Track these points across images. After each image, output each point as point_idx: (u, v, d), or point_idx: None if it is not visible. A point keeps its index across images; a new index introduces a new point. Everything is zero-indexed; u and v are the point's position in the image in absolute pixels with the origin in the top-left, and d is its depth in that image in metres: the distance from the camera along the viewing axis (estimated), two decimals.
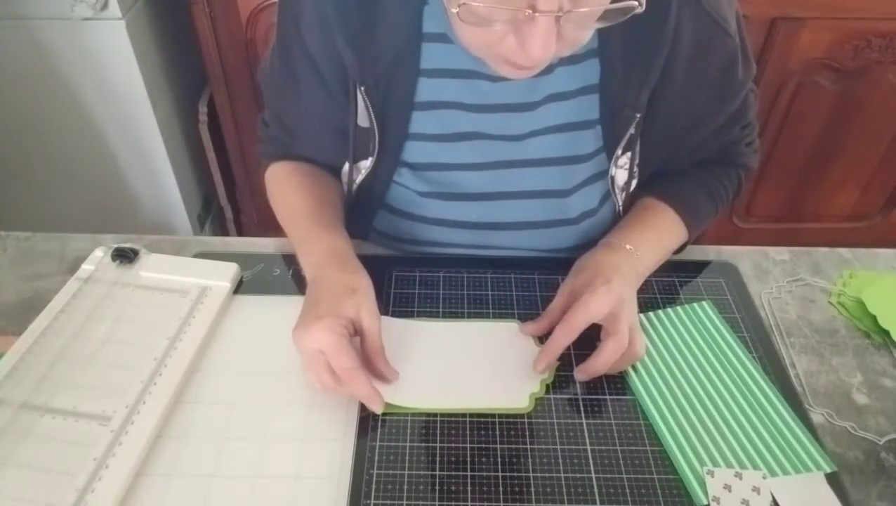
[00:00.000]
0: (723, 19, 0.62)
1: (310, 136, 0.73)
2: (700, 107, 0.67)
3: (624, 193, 0.72)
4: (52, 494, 0.51)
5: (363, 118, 0.66)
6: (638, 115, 0.64)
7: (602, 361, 0.60)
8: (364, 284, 0.61)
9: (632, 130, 0.65)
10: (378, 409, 0.57)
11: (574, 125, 0.67)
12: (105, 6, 1.26)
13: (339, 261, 0.63)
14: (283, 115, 0.73)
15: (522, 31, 0.48)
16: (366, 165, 0.70)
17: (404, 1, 0.61)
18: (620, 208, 0.73)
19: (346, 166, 0.73)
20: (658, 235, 0.70)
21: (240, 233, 1.80)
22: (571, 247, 0.74)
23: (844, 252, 0.78)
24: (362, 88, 0.63)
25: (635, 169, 0.70)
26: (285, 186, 0.74)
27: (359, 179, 0.72)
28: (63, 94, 1.38)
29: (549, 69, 0.63)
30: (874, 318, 0.69)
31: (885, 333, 0.67)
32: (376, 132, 0.66)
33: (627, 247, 0.66)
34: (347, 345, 0.56)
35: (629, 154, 0.68)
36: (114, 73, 1.36)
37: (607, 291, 0.60)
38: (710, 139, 0.72)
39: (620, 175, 0.69)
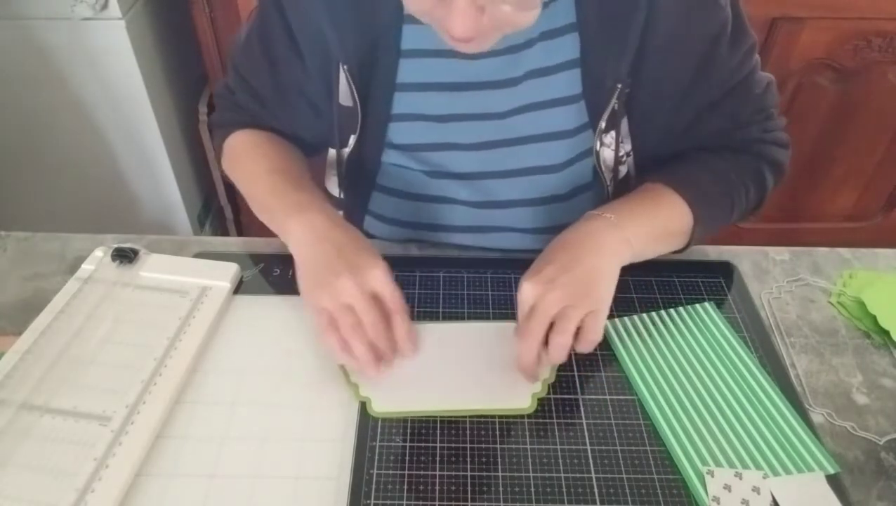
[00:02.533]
0: None
1: (284, 107, 0.73)
2: (685, 79, 0.65)
3: (613, 174, 0.70)
4: (52, 494, 0.51)
5: (346, 97, 0.66)
6: (619, 86, 0.63)
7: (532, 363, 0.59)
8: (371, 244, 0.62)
9: (614, 103, 0.64)
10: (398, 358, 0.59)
11: (557, 101, 0.67)
12: (105, 6, 1.26)
13: (340, 221, 0.63)
14: (259, 86, 0.73)
15: (446, 3, 0.49)
16: (351, 141, 0.70)
17: None
18: (609, 188, 0.71)
19: (331, 152, 0.74)
20: (650, 208, 0.66)
21: (240, 233, 1.80)
22: (569, 224, 0.71)
23: (844, 252, 0.78)
24: (345, 68, 0.63)
25: (622, 151, 0.68)
26: (257, 148, 0.73)
27: (346, 152, 0.71)
28: (63, 94, 1.39)
29: (529, 44, 0.63)
30: (874, 318, 0.69)
31: (885, 333, 0.67)
32: (359, 112, 0.66)
33: (608, 216, 0.63)
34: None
35: (613, 133, 0.67)
36: (114, 73, 1.36)
37: (530, 287, 0.58)
38: (707, 119, 0.69)
39: (607, 154, 0.68)
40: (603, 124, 0.66)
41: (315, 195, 0.66)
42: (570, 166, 0.71)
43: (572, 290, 0.58)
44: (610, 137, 0.67)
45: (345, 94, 0.66)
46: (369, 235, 0.80)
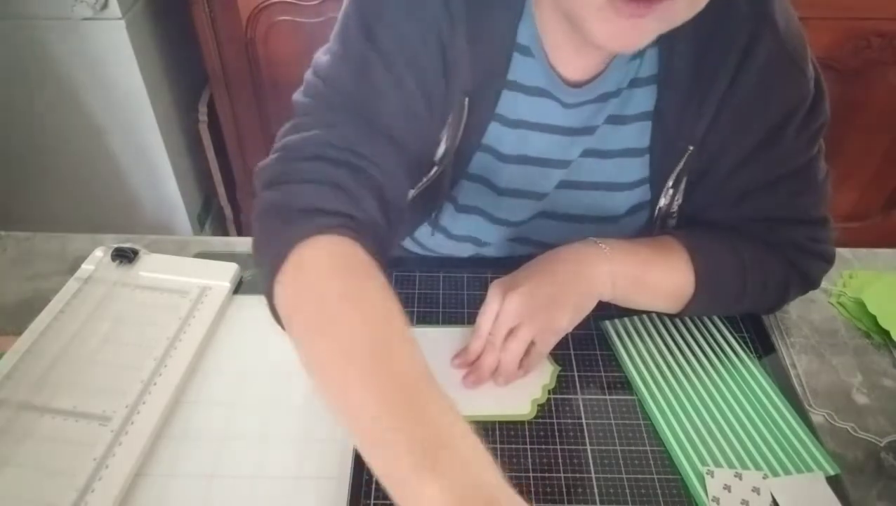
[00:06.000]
0: (800, 57, 0.58)
1: (401, 109, 0.57)
2: (749, 146, 0.61)
3: (662, 223, 0.69)
4: (52, 494, 0.51)
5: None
6: (691, 148, 0.61)
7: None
8: None
9: (681, 164, 0.62)
10: None
11: (624, 151, 0.65)
12: (105, 6, 1.26)
13: (498, 477, 0.41)
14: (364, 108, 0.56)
15: None
16: (432, 171, 0.65)
17: (508, 8, 0.58)
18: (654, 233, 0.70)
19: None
20: (651, 257, 0.63)
21: (240, 233, 1.80)
22: None
23: (844, 252, 0.78)
24: (468, 99, 0.59)
25: (674, 206, 0.67)
26: (357, 295, 0.46)
27: (415, 191, 0.66)
28: (63, 94, 1.39)
29: (617, 93, 0.61)
30: (874, 318, 0.69)
31: (885, 333, 0.67)
32: (458, 140, 0.62)
33: (603, 247, 0.61)
34: None
35: (672, 190, 0.65)
36: (114, 73, 1.36)
37: (496, 289, 0.59)
38: (761, 200, 0.64)
39: (662, 207, 0.67)
40: (670, 182, 0.64)
41: (450, 408, 0.41)
42: (626, 218, 0.69)
43: (533, 304, 0.58)
44: (669, 194, 0.66)
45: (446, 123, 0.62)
46: (404, 250, 0.79)
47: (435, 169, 0.64)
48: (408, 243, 0.78)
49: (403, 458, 0.38)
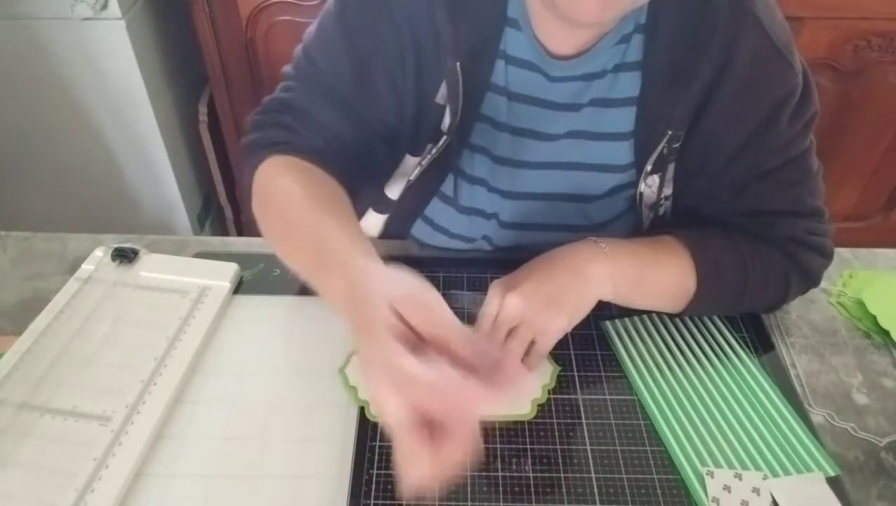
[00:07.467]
0: (787, 50, 0.59)
1: (367, 94, 0.65)
2: (741, 138, 0.62)
3: (651, 212, 0.69)
4: (52, 494, 0.51)
5: (442, 96, 0.64)
6: (670, 132, 0.62)
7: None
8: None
9: (663, 148, 0.63)
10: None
11: (610, 135, 0.66)
12: (105, 6, 1.26)
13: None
14: (336, 71, 0.64)
15: None
16: (441, 141, 0.67)
17: None
18: (646, 222, 0.71)
19: (406, 158, 0.70)
20: (652, 257, 0.63)
21: (240, 233, 1.80)
22: None
23: (844, 252, 0.78)
24: (459, 65, 0.61)
25: (662, 194, 0.67)
26: (297, 184, 0.62)
27: (433, 154, 0.68)
28: (63, 94, 1.39)
29: (602, 74, 0.63)
30: (874, 318, 0.69)
31: (885, 333, 0.67)
32: (459, 110, 0.64)
33: (603, 246, 0.61)
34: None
35: (657, 176, 0.66)
36: (114, 73, 1.36)
37: (496, 289, 0.59)
38: (753, 188, 0.64)
39: (648, 193, 0.68)
40: (649, 167, 0.65)
41: (348, 231, 0.57)
42: (608, 197, 0.70)
43: (533, 304, 0.58)
44: (653, 180, 0.66)
45: (442, 93, 0.64)
46: (415, 239, 0.80)
47: (444, 139, 0.66)
48: (419, 228, 0.78)
49: (320, 271, 0.54)
